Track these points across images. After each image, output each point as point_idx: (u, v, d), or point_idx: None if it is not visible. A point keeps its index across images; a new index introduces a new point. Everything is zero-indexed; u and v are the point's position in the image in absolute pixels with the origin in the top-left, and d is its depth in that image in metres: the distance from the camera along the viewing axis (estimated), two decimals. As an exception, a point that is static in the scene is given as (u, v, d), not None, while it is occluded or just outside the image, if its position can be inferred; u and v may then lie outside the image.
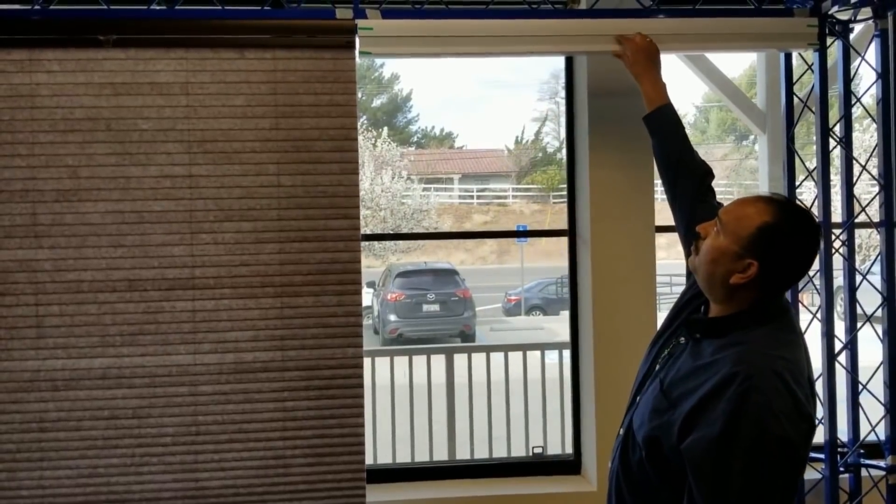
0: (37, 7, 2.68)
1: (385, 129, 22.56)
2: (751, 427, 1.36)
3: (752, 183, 25.37)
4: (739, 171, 26.71)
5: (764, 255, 1.48)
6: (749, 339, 1.48)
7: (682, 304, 1.79)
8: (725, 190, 25.25)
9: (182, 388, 2.68)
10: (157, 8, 2.71)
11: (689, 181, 2.10)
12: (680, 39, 2.79)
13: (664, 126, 2.29)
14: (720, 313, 1.57)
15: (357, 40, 2.69)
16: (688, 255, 1.85)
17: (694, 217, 1.93)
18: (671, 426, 1.46)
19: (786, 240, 1.49)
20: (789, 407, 1.38)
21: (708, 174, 2.13)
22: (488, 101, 34.94)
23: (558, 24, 2.78)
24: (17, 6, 2.85)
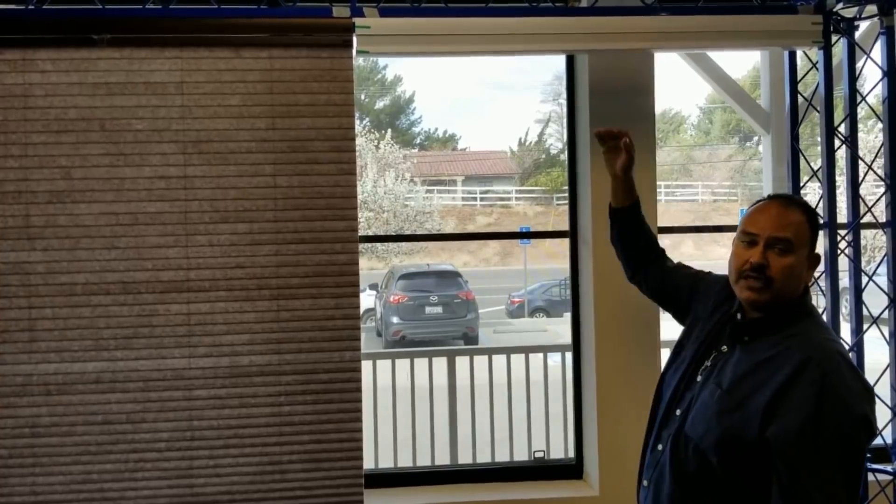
0: (30, 7, 2.65)
1: (388, 131, 22.52)
2: (836, 409, 1.43)
3: (756, 184, 25.25)
4: (744, 173, 26.64)
5: (815, 243, 1.63)
6: (803, 329, 1.56)
7: (697, 325, 1.78)
8: (729, 192, 25.21)
9: (177, 392, 2.64)
10: (152, 7, 2.68)
11: (656, 267, 2.15)
12: (683, 37, 2.75)
13: (639, 221, 2.27)
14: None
15: (354, 39, 2.66)
16: (676, 311, 2.00)
17: (665, 284, 2.06)
18: (749, 420, 1.49)
19: (817, 221, 1.65)
20: (858, 384, 1.48)
21: (663, 254, 2.19)
22: (491, 103, 34.86)
23: (559, 22, 2.74)
24: (10, 6, 2.82)
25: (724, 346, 1.64)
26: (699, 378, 1.65)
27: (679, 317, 2.00)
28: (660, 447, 1.67)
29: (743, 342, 1.61)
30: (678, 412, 1.65)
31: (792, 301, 1.58)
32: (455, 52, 2.75)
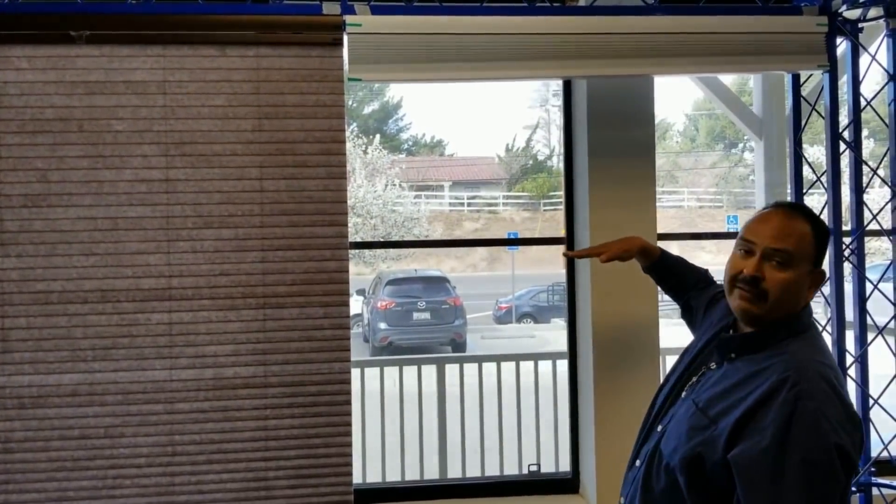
0: (5, 1, 2.53)
1: (376, 136, 22.44)
2: (804, 434, 1.30)
3: (741, 191, 25.38)
4: (728, 179, 26.77)
5: (821, 259, 1.52)
6: (790, 349, 1.45)
7: (701, 344, 1.70)
8: (715, 198, 25.30)
9: (158, 405, 2.52)
10: (133, 3, 2.57)
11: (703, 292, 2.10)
12: (686, 63, 2.66)
13: (670, 270, 2.28)
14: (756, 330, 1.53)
15: (345, 37, 2.56)
16: (691, 317, 1.97)
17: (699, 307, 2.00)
18: (715, 440, 1.40)
19: (826, 234, 1.54)
20: (840, 412, 1.34)
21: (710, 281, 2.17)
22: (479, 109, 34.89)
23: (556, 21, 2.65)
24: (-16, 0, 2.70)
25: (714, 363, 1.57)
26: (684, 394, 1.59)
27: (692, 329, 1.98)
28: (637, 463, 1.61)
29: (730, 359, 1.53)
30: (659, 428, 1.59)
31: (787, 318, 1.48)
32: (451, 77, 2.63)
